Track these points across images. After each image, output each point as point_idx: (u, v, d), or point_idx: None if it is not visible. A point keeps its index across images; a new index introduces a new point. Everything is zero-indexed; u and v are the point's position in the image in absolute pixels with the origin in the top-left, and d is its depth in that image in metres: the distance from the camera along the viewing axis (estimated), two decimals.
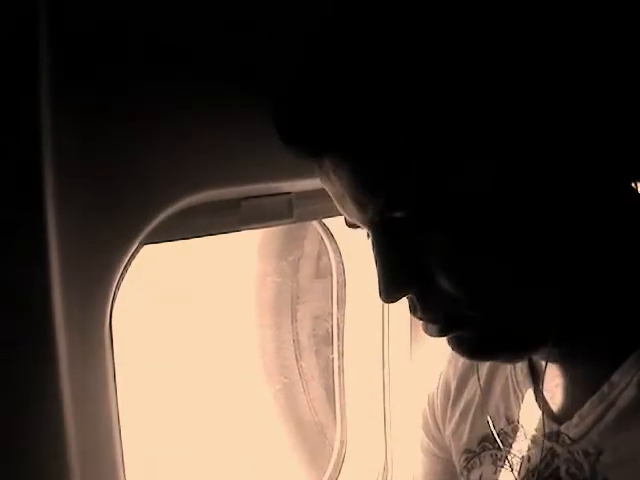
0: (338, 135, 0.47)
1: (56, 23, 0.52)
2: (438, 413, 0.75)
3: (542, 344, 0.52)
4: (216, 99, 0.67)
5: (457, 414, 0.70)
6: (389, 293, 0.50)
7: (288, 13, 0.61)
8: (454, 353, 0.74)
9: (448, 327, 0.52)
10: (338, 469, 1.06)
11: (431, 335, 0.53)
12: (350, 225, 0.55)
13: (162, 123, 0.64)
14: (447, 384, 0.74)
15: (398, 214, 0.47)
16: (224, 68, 0.66)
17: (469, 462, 0.66)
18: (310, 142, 0.49)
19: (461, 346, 0.53)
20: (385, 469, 1.00)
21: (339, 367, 1.06)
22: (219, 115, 0.67)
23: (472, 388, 0.69)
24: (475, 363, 0.66)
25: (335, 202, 0.52)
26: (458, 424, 0.70)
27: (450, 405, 0.72)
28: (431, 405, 0.77)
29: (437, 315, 0.51)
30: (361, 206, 0.48)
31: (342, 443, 1.06)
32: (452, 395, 0.72)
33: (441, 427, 0.75)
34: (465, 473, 0.66)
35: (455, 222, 0.46)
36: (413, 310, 0.52)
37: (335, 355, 1.07)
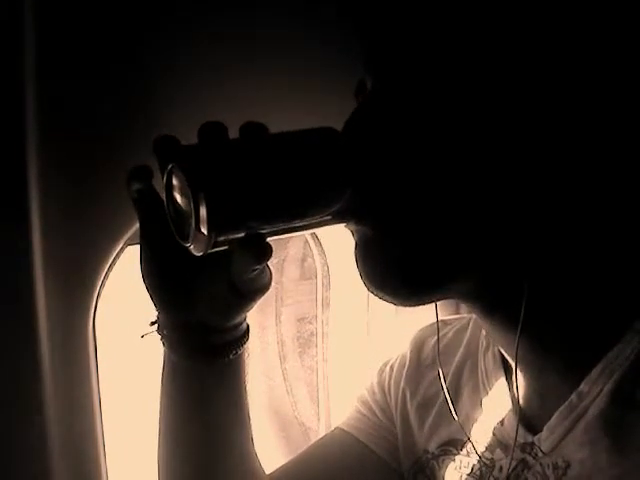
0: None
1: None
2: (390, 386, 0.71)
3: (457, 278, 0.49)
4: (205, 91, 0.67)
5: (413, 407, 0.66)
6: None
7: None
8: (416, 341, 0.71)
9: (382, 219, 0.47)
10: None
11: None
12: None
13: (148, 122, 0.63)
14: (402, 365, 0.71)
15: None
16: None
17: (423, 464, 0.63)
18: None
19: (378, 254, 0.48)
20: None
21: (323, 370, 1.05)
22: (207, 109, 0.67)
23: (433, 384, 0.65)
24: (438, 360, 0.62)
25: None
26: (416, 419, 0.66)
27: (403, 386, 0.68)
28: (381, 380, 0.72)
29: (375, 204, 0.47)
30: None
31: None
32: (405, 377, 0.69)
33: (389, 398, 0.70)
34: (412, 473, 0.63)
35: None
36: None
37: (320, 357, 1.07)
